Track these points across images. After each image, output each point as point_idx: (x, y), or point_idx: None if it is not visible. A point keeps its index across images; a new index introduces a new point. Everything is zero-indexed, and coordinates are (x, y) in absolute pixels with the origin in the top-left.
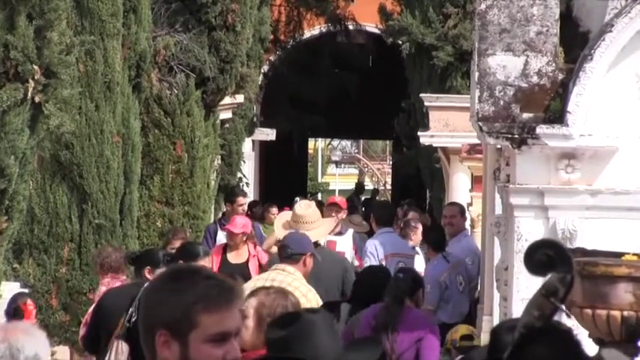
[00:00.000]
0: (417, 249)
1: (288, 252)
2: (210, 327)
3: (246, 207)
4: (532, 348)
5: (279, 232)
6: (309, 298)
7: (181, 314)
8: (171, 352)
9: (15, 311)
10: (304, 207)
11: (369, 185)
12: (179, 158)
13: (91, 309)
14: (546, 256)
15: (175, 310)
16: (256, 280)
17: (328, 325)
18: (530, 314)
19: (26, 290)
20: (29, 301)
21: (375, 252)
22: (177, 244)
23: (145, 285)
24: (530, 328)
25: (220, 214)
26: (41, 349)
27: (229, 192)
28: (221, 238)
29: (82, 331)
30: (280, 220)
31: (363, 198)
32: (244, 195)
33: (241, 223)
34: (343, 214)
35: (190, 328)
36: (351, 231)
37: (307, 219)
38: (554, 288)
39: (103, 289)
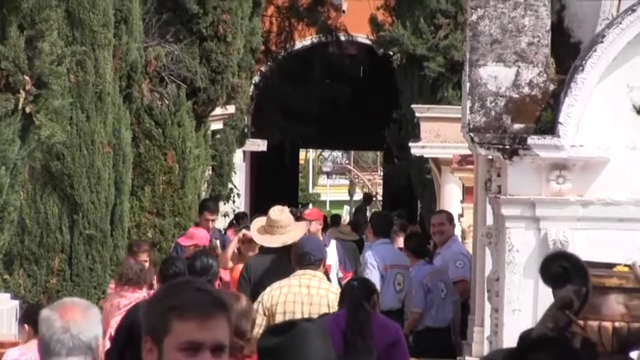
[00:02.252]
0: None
1: (311, 259)
2: (181, 334)
3: (211, 224)
4: (531, 355)
5: (255, 236)
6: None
7: (158, 319)
8: (151, 358)
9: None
10: (278, 212)
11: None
12: (170, 169)
13: (116, 322)
14: (562, 268)
15: (155, 316)
16: (289, 287)
17: (322, 334)
18: (544, 326)
19: None
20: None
21: (375, 263)
22: (144, 257)
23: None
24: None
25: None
26: (97, 329)
27: (201, 204)
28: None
29: (107, 344)
30: (255, 225)
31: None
32: (211, 211)
33: (192, 234)
34: (319, 225)
35: (164, 333)
36: (334, 242)
37: (281, 223)
38: (570, 300)
39: (122, 301)
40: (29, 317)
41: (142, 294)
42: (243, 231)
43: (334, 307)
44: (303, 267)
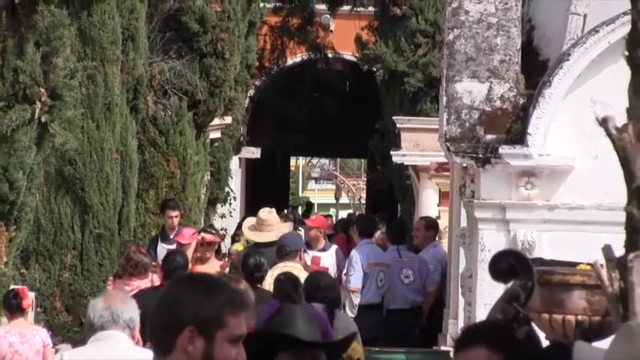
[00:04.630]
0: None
1: (287, 250)
2: (235, 328)
3: (176, 220)
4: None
5: (246, 232)
6: None
7: (214, 314)
8: (194, 347)
9: (14, 295)
10: (266, 212)
11: (345, 199)
12: (172, 174)
13: None
14: (509, 264)
15: (209, 311)
16: (272, 277)
17: (307, 315)
18: (493, 318)
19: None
20: (24, 289)
21: (359, 262)
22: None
23: (170, 285)
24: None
25: (161, 228)
26: (134, 314)
27: (162, 204)
28: (160, 250)
29: None
30: (247, 224)
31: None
32: (173, 208)
33: (189, 234)
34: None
35: (219, 327)
36: (334, 247)
37: (269, 222)
38: (517, 294)
39: (127, 289)
40: (5, 302)
41: (146, 282)
42: (202, 234)
43: None
44: (282, 259)
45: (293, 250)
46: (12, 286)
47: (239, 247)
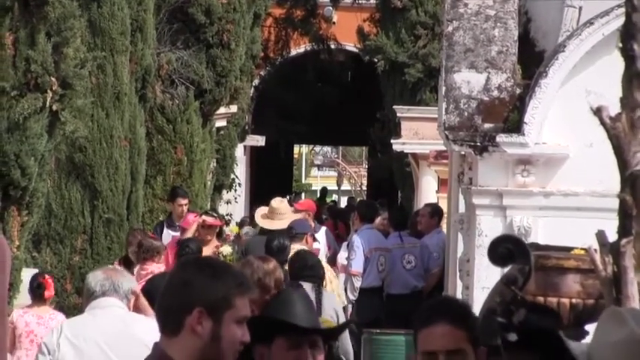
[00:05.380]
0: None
1: (293, 232)
2: (241, 309)
3: (185, 208)
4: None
5: (259, 221)
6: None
7: (222, 296)
8: (203, 327)
9: (38, 286)
10: (278, 202)
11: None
12: (179, 161)
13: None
14: (507, 249)
15: (217, 292)
16: None
17: (306, 299)
18: (492, 300)
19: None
20: (47, 276)
21: (361, 246)
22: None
23: (177, 269)
24: (491, 311)
25: (167, 214)
26: (133, 285)
27: (171, 192)
28: (166, 236)
29: None
30: (259, 213)
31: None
32: (183, 196)
33: (192, 218)
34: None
35: (227, 308)
36: (323, 229)
37: (280, 211)
38: (514, 277)
39: (142, 272)
40: (30, 287)
41: (159, 267)
42: (203, 217)
43: None
44: (290, 241)
45: (300, 232)
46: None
47: (235, 228)
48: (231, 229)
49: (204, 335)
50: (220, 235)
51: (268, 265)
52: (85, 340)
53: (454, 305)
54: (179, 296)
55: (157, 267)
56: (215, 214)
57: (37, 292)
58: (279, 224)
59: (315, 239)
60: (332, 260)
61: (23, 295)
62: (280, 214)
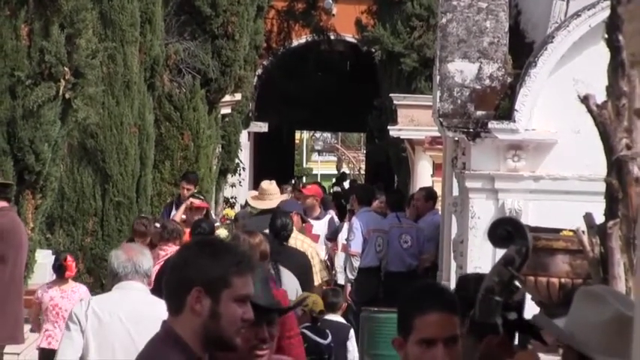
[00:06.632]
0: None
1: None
2: (240, 288)
3: (187, 192)
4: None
5: (251, 201)
6: (308, 243)
7: (219, 275)
8: (201, 306)
9: (60, 267)
10: (267, 184)
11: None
12: (186, 146)
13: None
14: (506, 231)
15: (215, 272)
16: None
17: (264, 278)
18: (491, 280)
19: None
20: (69, 257)
21: (360, 228)
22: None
23: (180, 249)
24: (489, 290)
25: (177, 196)
26: (151, 264)
27: (183, 175)
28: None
29: None
30: (250, 194)
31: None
32: (189, 181)
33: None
34: (314, 200)
35: (224, 287)
36: (328, 216)
37: (269, 192)
38: (512, 258)
39: (161, 253)
40: (53, 266)
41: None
42: (191, 199)
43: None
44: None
45: (287, 211)
46: (37, 250)
47: (230, 212)
48: (226, 213)
49: (203, 314)
50: (207, 217)
51: (254, 239)
52: (110, 314)
53: (445, 292)
54: (180, 275)
55: (175, 249)
56: (202, 197)
57: (59, 272)
58: (269, 204)
59: (303, 220)
60: (334, 236)
61: (37, 275)
62: (270, 194)
